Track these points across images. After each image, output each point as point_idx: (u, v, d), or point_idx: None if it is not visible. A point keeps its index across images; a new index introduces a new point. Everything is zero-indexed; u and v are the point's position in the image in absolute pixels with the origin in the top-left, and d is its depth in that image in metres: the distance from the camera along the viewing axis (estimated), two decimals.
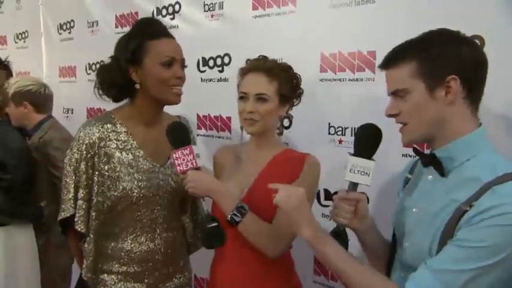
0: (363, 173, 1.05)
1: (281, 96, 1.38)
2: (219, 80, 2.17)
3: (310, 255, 1.90)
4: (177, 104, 1.41)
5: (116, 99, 1.44)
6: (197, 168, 1.24)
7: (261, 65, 1.38)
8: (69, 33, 3.14)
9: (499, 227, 0.83)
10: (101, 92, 1.42)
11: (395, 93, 1.01)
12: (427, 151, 1.11)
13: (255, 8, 2.01)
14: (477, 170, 0.92)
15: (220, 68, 2.17)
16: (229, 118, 2.15)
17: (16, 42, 3.66)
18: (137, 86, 1.37)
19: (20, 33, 3.62)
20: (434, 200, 0.98)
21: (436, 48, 0.96)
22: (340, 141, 1.77)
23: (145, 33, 1.36)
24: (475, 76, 0.98)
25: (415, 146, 1.06)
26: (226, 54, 2.14)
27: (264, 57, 1.46)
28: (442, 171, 0.98)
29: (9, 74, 2.45)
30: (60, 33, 3.22)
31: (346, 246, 1.10)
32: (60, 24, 3.20)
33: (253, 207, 1.31)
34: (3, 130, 1.92)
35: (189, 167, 1.23)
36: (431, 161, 1.00)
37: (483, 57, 0.99)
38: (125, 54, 1.35)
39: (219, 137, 2.21)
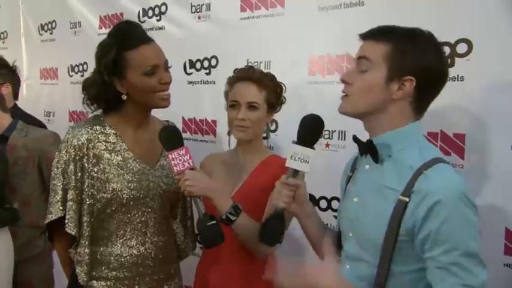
0: (302, 160, 1.09)
1: (269, 104, 1.45)
2: (206, 82, 2.14)
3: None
4: (166, 107, 1.40)
5: (105, 111, 1.43)
6: (193, 168, 1.25)
7: (251, 75, 1.44)
8: (51, 34, 3.06)
9: (446, 216, 0.90)
10: (91, 107, 1.41)
11: (360, 59, 1.03)
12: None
13: (243, 9, 1.99)
14: (409, 159, 0.98)
15: (207, 71, 2.14)
16: (214, 122, 2.12)
17: None
18: (124, 97, 1.36)
19: None
20: (372, 189, 1.03)
21: (414, 45, 0.99)
22: (327, 145, 1.75)
23: (122, 44, 1.33)
24: (430, 88, 1.01)
25: (354, 134, 1.11)
26: (214, 57, 2.11)
27: (251, 67, 1.52)
28: (376, 158, 1.03)
29: (17, 79, 2.39)
30: (41, 34, 3.14)
31: (282, 228, 1.16)
32: (41, 24, 3.13)
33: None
34: None
35: (185, 167, 1.23)
36: (368, 148, 1.04)
37: (446, 73, 1.03)
38: (105, 67, 1.34)
39: (204, 141, 2.18)
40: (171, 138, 1.27)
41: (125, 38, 1.34)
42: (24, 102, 3.09)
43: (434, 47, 1.01)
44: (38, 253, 2.10)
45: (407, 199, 0.94)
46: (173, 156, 1.23)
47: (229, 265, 1.41)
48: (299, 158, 1.09)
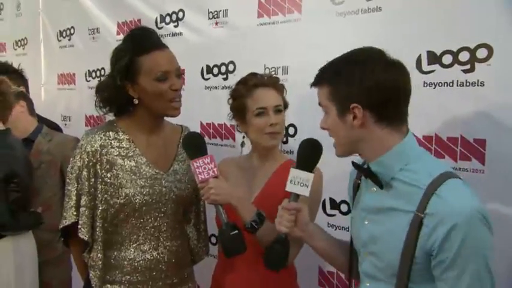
0: (302, 184, 1.12)
1: (285, 106, 1.48)
2: (224, 87, 2.16)
3: (315, 266, 1.88)
4: (176, 116, 1.41)
5: (116, 115, 1.45)
6: (217, 177, 1.25)
7: (267, 80, 1.45)
8: (69, 40, 3.12)
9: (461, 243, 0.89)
10: (103, 109, 1.44)
11: (320, 105, 1.08)
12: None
13: (260, 15, 2.01)
14: (414, 177, 0.97)
15: (224, 76, 2.16)
16: (233, 126, 2.13)
17: (15, 49, 3.64)
18: (135, 101, 1.38)
19: (19, 40, 3.60)
20: (383, 212, 1.03)
21: (344, 74, 1.00)
22: None
23: (135, 48, 1.36)
24: (383, 101, 0.99)
25: (353, 160, 1.11)
26: (231, 62, 2.13)
27: (254, 74, 1.50)
28: (380, 184, 1.02)
29: (26, 83, 2.45)
30: (59, 40, 3.20)
31: (287, 252, 1.16)
32: (60, 31, 3.19)
33: None
34: (12, 139, 1.91)
35: (210, 175, 1.24)
36: (368, 174, 1.05)
37: (395, 81, 0.99)
38: (119, 71, 1.36)
39: (223, 145, 2.20)
40: (196, 146, 1.27)
41: (138, 44, 1.36)
42: (42, 107, 3.15)
43: (372, 61, 0.99)
44: (58, 255, 2.13)
45: (422, 215, 0.93)
46: (198, 164, 1.23)
47: (249, 271, 1.40)
48: (299, 182, 1.12)
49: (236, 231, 1.22)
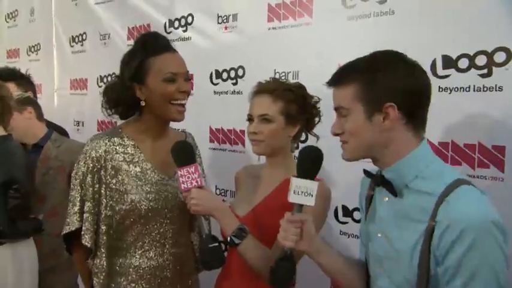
0: (306, 194, 1.06)
1: (287, 116, 1.35)
2: (233, 92, 2.14)
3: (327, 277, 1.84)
4: (180, 121, 1.40)
5: (122, 117, 1.45)
6: (200, 187, 1.23)
7: (265, 86, 1.39)
8: (82, 45, 3.16)
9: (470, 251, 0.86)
10: (108, 111, 1.43)
11: (338, 110, 1.03)
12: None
13: (270, 20, 1.99)
14: (428, 185, 0.94)
15: (234, 81, 2.14)
16: (243, 132, 2.11)
17: (28, 55, 3.70)
18: (142, 103, 1.37)
19: (32, 46, 3.66)
20: (396, 223, 0.99)
21: (378, 74, 0.97)
22: None
23: (146, 50, 1.36)
24: (415, 103, 0.98)
25: (365, 168, 1.07)
26: (240, 67, 2.12)
27: (274, 79, 1.45)
28: (394, 192, 0.98)
29: (33, 88, 2.45)
30: (72, 46, 3.24)
31: (293, 271, 1.10)
32: (72, 36, 3.23)
33: (255, 226, 1.29)
34: (12, 145, 1.91)
35: (193, 185, 1.22)
36: (381, 182, 1.01)
37: (424, 83, 0.99)
38: (128, 72, 1.36)
39: (233, 151, 2.17)
40: (182, 154, 1.25)
41: (150, 46, 1.37)
42: (55, 112, 3.20)
43: (400, 62, 0.98)
44: (64, 261, 2.09)
45: (433, 223, 0.90)
46: (182, 173, 1.21)
47: (247, 280, 1.34)
48: (302, 192, 1.06)
49: (215, 244, 1.19)
